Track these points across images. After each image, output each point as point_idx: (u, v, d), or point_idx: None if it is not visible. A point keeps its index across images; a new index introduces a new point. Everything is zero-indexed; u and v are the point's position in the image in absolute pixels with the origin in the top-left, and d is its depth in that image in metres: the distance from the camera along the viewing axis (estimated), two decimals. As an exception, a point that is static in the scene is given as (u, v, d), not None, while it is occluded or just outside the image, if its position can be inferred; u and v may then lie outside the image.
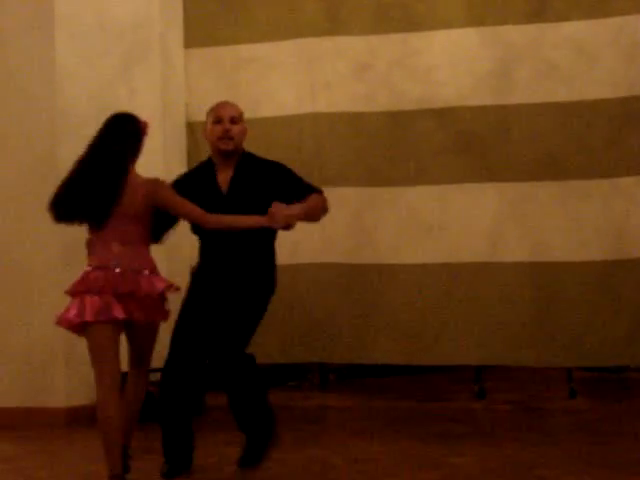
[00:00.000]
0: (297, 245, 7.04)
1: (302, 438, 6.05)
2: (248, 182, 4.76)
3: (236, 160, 4.79)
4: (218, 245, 4.83)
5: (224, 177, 4.77)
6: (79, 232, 6.57)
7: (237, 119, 4.78)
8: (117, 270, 4.50)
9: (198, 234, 4.92)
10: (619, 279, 6.40)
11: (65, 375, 6.49)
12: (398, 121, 6.81)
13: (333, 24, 6.97)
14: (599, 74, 6.41)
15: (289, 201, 4.63)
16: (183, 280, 7.17)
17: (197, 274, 5.06)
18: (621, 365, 8.03)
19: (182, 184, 4.82)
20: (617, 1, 6.40)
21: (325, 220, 6.94)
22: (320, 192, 4.84)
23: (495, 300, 6.60)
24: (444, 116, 6.70)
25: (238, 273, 4.83)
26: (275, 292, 5.00)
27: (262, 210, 4.57)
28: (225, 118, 4.75)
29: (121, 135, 4.72)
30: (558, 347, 6.60)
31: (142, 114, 6.92)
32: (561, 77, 6.44)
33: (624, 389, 7.96)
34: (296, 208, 4.65)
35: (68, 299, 6.45)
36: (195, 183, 4.81)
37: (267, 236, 4.83)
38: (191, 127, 7.30)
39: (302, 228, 6.98)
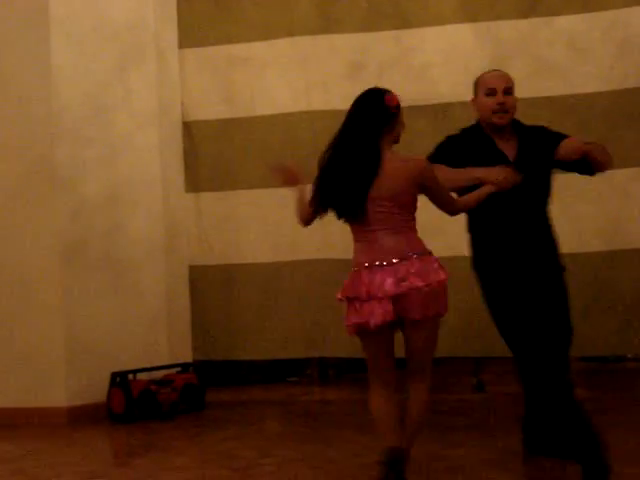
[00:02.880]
0: (297, 242, 7.07)
1: (301, 433, 6.09)
2: (532, 149, 4.40)
3: (510, 128, 4.42)
4: (514, 224, 4.39)
5: (506, 146, 4.41)
6: (78, 233, 6.64)
7: (511, 90, 4.43)
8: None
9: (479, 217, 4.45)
10: (614, 270, 6.43)
11: (66, 375, 6.52)
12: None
13: (326, 22, 6.99)
14: (592, 68, 6.44)
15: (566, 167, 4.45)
16: (182, 281, 7.26)
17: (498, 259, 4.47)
18: (618, 355, 8.09)
19: (452, 149, 4.49)
20: (609, -5, 6.44)
21: (323, 217, 7.02)
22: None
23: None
24: (439, 112, 6.72)
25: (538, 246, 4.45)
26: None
27: (544, 176, 4.40)
28: (499, 90, 4.40)
29: (366, 112, 4.28)
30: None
31: (138, 114, 7.03)
32: (554, 72, 6.47)
33: (622, 379, 8.00)
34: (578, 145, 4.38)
35: (67, 298, 6.53)
36: (472, 149, 4.44)
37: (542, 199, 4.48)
38: (187, 126, 7.32)
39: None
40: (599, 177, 6.43)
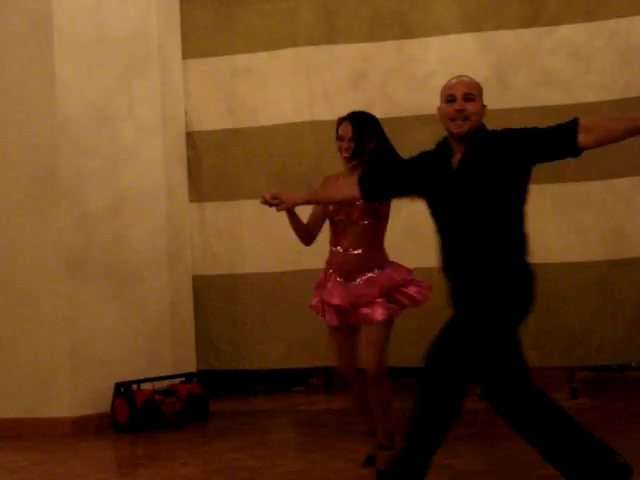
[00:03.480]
0: (300, 251, 7.06)
1: (306, 443, 6.09)
2: (480, 158, 4.07)
3: (475, 138, 4.12)
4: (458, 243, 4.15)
5: (457, 157, 4.13)
6: (82, 244, 6.65)
7: (472, 95, 4.10)
8: None
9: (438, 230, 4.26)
10: (617, 279, 6.44)
11: (70, 385, 6.53)
12: (395, 128, 6.79)
13: (330, 33, 7.01)
14: (594, 77, 6.44)
15: (545, 158, 4.05)
16: (186, 291, 7.26)
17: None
18: (622, 364, 8.08)
19: (416, 161, 4.36)
20: (610, 4, 6.43)
21: (326, 227, 7.02)
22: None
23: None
24: (434, 122, 6.72)
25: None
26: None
27: (496, 185, 4.01)
28: (459, 95, 4.09)
29: None
30: (559, 347, 6.64)
31: (142, 125, 7.05)
32: (556, 81, 6.48)
33: (626, 388, 7.99)
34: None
35: (71, 309, 6.54)
36: (430, 162, 4.25)
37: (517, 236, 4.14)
38: (191, 137, 7.34)
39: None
40: (602, 185, 6.51)
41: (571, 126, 3.96)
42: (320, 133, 6.98)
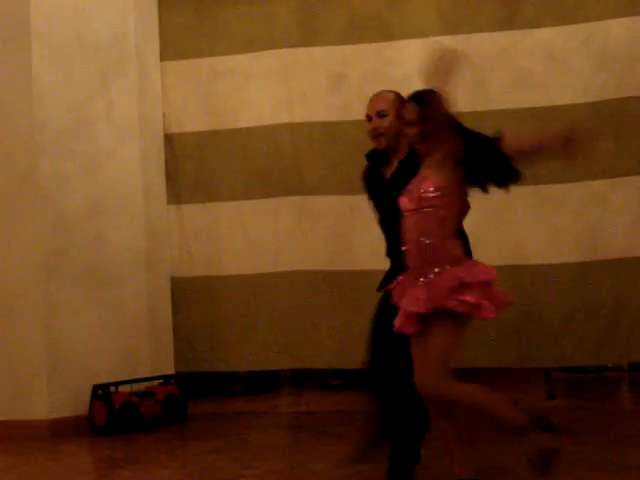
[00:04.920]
0: (279, 253, 7.09)
1: (284, 445, 6.10)
2: (412, 168, 4.26)
3: (405, 151, 4.40)
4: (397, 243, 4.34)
5: (392, 168, 4.49)
6: (60, 245, 6.63)
7: (385, 111, 4.44)
8: None
9: (386, 234, 4.57)
10: (594, 281, 6.47)
11: (47, 387, 6.50)
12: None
13: (307, 35, 7.02)
14: (570, 80, 6.48)
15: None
16: (165, 293, 7.26)
17: (388, 279, 4.52)
18: (599, 365, 8.14)
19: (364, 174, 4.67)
20: (587, 8, 6.47)
21: (306, 229, 7.05)
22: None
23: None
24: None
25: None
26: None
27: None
28: (372, 114, 4.48)
29: None
30: (536, 348, 6.67)
31: (120, 127, 7.04)
32: (533, 83, 6.50)
33: (602, 389, 8.04)
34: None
35: (49, 310, 6.51)
36: (367, 174, 4.63)
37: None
38: (169, 138, 7.33)
39: (283, 237, 7.09)
40: (578, 187, 6.55)
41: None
42: (298, 135, 7.00)
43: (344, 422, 6.68)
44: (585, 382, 8.09)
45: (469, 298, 3.99)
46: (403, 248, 4.18)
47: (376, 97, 4.57)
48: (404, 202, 4.16)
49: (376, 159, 4.59)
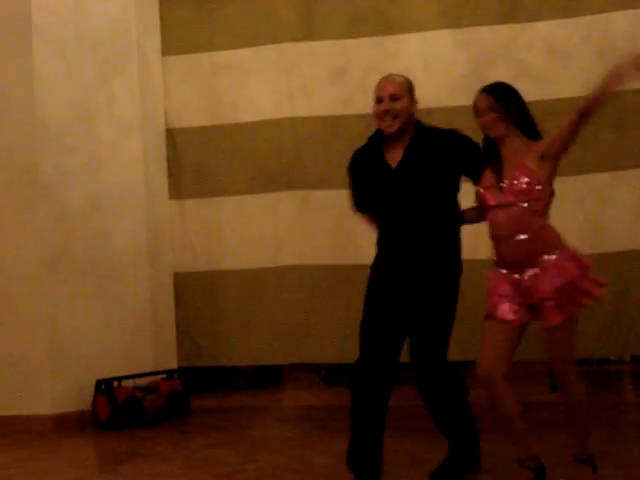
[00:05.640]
0: (280, 248, 7.09)
1: (287, 439, 6.10)
2: (419, 158, 4.36)
3: (408, 138, 4.40)
4: (398, 234, 4.41)
5: (395, 154, 4.40)
6: (62, 241, 6.64)
7: (398, 95, 4.36)
8: None
9: (378, 222, 4.53)
10: (595, 274, 6.45)
11: (50, 382, 6.52)
12: (375, 124, 6.86)
13: (309, 29, 7.02)
14: (571, 73, 6.47)
15: (470, 173, 4.31)
16: (167, 288, 7.27)
17: (377, 266, 4.51)
18: (601, 358, 8.13)
19: (354, 162, 4.58)
20: (587, 1, 6.47)
21: (307, 223, 7.04)
22: None
23: (473, 296, 6.65)
24: (420, 118, 6.74)
25: (421, 264, 4.38)
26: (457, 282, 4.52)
27: (434, 184, 4.32)
28: (385, 96, 4.38)
29: None
30: (538, 341, 6.66)
31: (121, 122, 7.04)
32: (534, 76, 6.50)
33: (605, 382, 8.04)
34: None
35: (52, 306, 6.53)
36: (364, 163, 4.51)
37: (452, 222, 4.44)
38: (170, 133, 7.34)
39: (285, 231, 7.09)
40: (579, 181, 6.54)
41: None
42: (300, 129, 7.00)
43: (345, 417, 6.70)
44: (587, 375, 8.08)
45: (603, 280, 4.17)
46: (495, 243, 4.16)
47: (387, 80, 4.47)
48: (489, 198, 4.11)
49: (375, 144, 4.52)
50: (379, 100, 4.41)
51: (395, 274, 4.41)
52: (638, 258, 6.41)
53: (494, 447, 5.03)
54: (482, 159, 4.23)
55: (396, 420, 6.60)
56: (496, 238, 4.16)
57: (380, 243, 4.53)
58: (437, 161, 4.38)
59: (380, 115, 4.40)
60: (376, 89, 4.44)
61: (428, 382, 4.49)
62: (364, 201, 4.58)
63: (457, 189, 4.47)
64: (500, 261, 4.18)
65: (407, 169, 4.36)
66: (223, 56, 7.22)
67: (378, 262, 4.51)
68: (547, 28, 6.55)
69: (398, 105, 4.37)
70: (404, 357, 4.52)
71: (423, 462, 4.98)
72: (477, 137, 6.58)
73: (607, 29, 6.41)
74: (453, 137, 4.46)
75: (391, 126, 4.38)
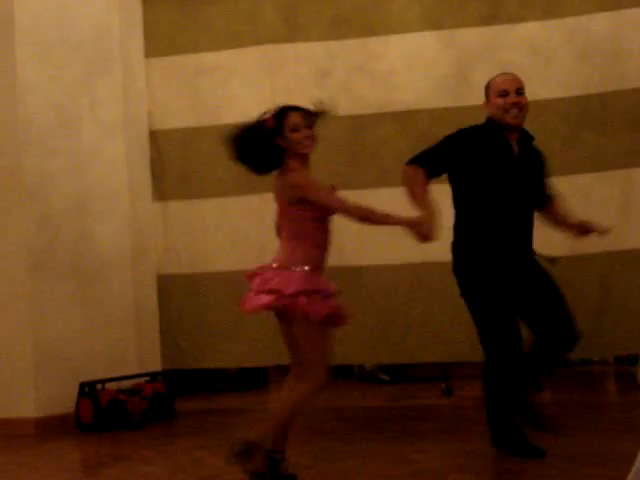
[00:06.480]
0: (264, 249, 7.08)
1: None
2: (529, 156, 4.88)
3: (517, 133, 4.84)
4: (511, 222, 4.84)
5: (515, 148, 4.84)
6: (45, 243, 6.62)
7: (523, 90, 4.82)
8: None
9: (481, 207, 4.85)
10: (578, 274, 6.49)
11: (34, 385, 6.49)
12: (359, 125, 6.88)
13: (292, 31, 7.02)
14: (553, 74, 6.50)
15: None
16: (151, 290, 7.25)
17: (487, 256, 4.83)
18: (585, 358, 8.16)
19: (464, 140, 4.83)
20: (569, 2, 6.49)
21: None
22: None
23: (459, 298, 6.67)
24: (404, 119, 6.78)
25: (528, 249, 4.93)
26: None
27: (536, 181, 4.90)
28: (512, 90, 4.78)
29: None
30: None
31: (104, 124, 7.03)
32: (517, 77, 6.53)
33: (589, 382, 8.07)
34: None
35: (35, 308, 6.51)
36: (484, 142, 4.81)
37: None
38: (154, 135, 7.33)
39: (268, 233, 7.06)
40: (562, 182, 6.56)
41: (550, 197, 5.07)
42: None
43: (332, 418, 6.70)
44: (571, 375, 8.11)
45: None
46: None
47: (510, 75, 4.88)
48: None
49: (496, 131, 4.82)
50: (504, 93, 4.75)
51: (511, 262, 4.80)
52: (619, 259, 6.44)
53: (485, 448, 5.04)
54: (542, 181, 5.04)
55: (382, 421, 6.64)
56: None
57: (482, 230, 4.81)
58: (536, 161, 4.92)
59: (506, 107, 4.75)
60: (500, 83, 4.80)
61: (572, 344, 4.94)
62: (442, 169, 4.85)
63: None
64: None
65: (526, 161, 4.80)
66: (206, 58, 7.22)
67: (487, 251, 4.81)
68: (529, 29, 6.58)
69: (524, 99, 4.78)
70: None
71: (409, 462, 4.99)
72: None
73: (588, 30, 6.43)
74: (538, 152, 5.04)
75: (517, 117, 4.75)
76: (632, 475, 3.01)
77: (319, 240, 4.37)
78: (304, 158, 4.58)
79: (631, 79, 6.33)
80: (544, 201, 5.02)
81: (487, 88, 4.87)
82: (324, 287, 4.34)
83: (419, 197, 4.62)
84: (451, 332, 6.68)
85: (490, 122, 4.84)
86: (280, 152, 4.47)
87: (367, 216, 4.38)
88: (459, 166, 4.81)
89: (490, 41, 6.63)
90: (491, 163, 4.73)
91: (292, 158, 4.46)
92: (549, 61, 6.52)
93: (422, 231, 4.33)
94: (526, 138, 4.87)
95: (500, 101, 4.73)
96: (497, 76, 4.88)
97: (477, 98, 6.57)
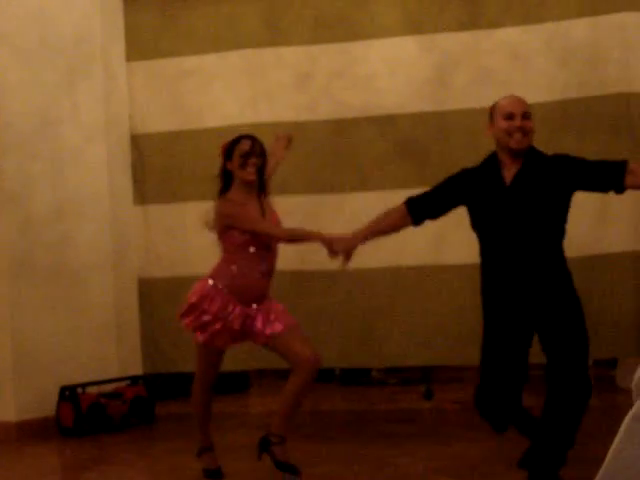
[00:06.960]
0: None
1: (253, 444, 6.10)
2: (533, 176, 4.50)
3: (522, 158, 4.54)
4: (510, 253, 4.50)
5: (511, 173, 4.53)
6: (26, 246, 6.61)
7: (529, 114, 4.57)
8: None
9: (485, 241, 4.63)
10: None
11: (15, 389, 6.48)
12: (340, 129, 6.89)
13: (274, 35, 7.03)
14: (533, 78, 6.53)
15: (589, 188, 4.53)
16: (131, 294, 7.24)
17: (491, 289, 4.61)
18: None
19: (458, 181, 4.68)
20: (549, 7, 6.51)
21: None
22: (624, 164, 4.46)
23: (439, 301, 6.70)
24: (385, 123, 6.79)
25: (539, 280, 4.52)
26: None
27: (545, 205, 4.45)
28: (517, 113, 4.53)
29: None
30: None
31: (86, 128, 7.03)
32: (497, 82, 6.53)
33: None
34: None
35: (15, 312, 6.49)
36: (478, 178, 4.62)
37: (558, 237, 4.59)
38: (135, 139, 7.32)
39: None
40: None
41: (621, 166, 4.43)
42: (264, 134, 6.99)
43: (312, 422, 6.71)
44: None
45: None
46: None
47: (517, 98, 4.66)
48: None
49: (491, 164, 4.62)
50: (510, 116, 4.53)
51: (514, 296, 4.51)
52: (601, 262, 6.47)
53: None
54: (595, 167, 4.47)
55: (363, 424, 6.65)
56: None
57: (487, 264, 4.59)
58: (549, 180, 4.49)
59: (510, 131, 4.51)
60: (506, 105, 4.58)
61: (577, 390, 4.64)
62: (431, 212, 4.74)
63: (568, 206, 4.58)
64: None
65: (521, 186, 4.48)
66: (188, 62, 7.21)
67: (490, 284, 4.58)
68: (508, 34, 6.59)
69: (530, 123, 4.54)
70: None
71: (389, 465, 5.01)
72: (440, 139, 6.61)
73: (568, 36, 6.46)
74: (560, 158, 4.57)
75: (521, 142, 4.49)
76: (599, 477, 3.02)
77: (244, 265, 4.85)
78: (249, 185, 4.78)
79: (611, 84, 6.36)
80: (619, 183, 4.46)
81: (492, 110, 4.67)
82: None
83: (368, 224, 4.87)
84: (432, 336, 6.70)
85: (488, 156, 4.68)
86: (230, 177, 4.71)
87: (293, 235, 4.96)
88: (464, 206, 4.69)
89: (470, 46, 6.65)
90: (481, 197, 4.57)
91: (236, 185, 4.84)
92: (529, 66, 6.54)
93: (331, 249, 4.78)
94: (536, 159, 4.57)
95: (505, 124, 4.52)
96: (503, 98, 4.67)
97: (457, 102, 6.66)
